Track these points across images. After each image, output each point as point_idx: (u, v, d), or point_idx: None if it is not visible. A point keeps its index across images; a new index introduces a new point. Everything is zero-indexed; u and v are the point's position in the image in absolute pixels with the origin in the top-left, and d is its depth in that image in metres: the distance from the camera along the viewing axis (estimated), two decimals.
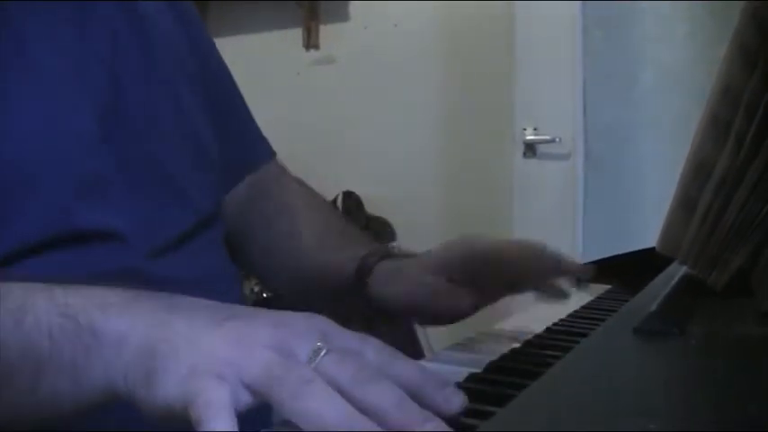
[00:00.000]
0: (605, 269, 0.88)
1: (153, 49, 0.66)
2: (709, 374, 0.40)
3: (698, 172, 0.59)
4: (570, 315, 0.69)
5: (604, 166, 1.91)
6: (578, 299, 0.77)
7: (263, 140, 0.84)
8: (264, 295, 1.98)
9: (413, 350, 1.97)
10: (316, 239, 0.79)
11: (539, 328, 0.64)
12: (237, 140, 0.80)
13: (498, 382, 0.45)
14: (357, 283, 0.71)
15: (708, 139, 0.58)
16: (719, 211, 0.54)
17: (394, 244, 0.73)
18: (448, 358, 0.55)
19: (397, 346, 0.41)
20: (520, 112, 1.93)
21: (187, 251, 0.63)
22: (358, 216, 2.36)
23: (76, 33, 0.59)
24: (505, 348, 0.55)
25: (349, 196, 2.38)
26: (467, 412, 0.38)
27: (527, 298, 0.73)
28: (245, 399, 0.36)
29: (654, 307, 0.49)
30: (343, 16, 2.46)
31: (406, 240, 2.32)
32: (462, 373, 0.47)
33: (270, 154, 0.85)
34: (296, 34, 2.51)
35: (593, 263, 0.90)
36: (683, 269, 0.61)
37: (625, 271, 0.85)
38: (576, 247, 1.87)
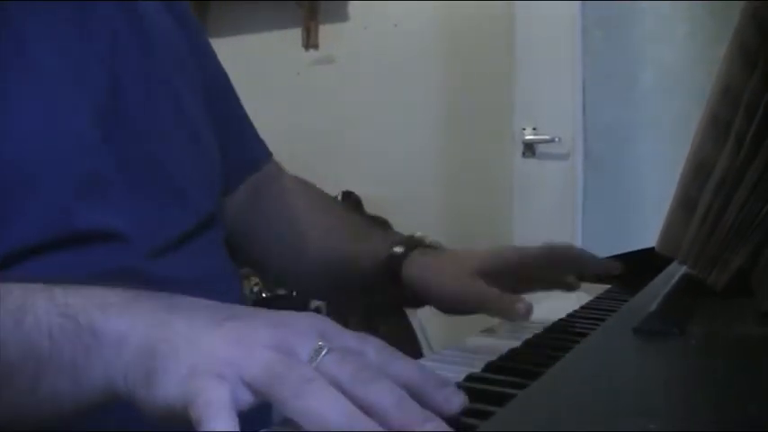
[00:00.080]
0: None
1: (153, 50, 0.66)
2: (709, 374, 0.40)
3: (698, 172, 0.59)
4: (570, 315, 0.69)
5: (604, 165, 1.91)
6: (578, 299, 0.77)
7: (260, 141, 0.85)
8: (264, 295, 1.98)
9: (412, 350, 1.97)
10: (327, 234, 0.80)
11: (539, 327, 0.64)
12: (237, 141, 0.80)
13: (498, 382, 0.45)
14: (387, 271, 0.73)
15: (708, 139, 0.58)
16: (719, 211, 0.54)
17: (418, 234, 0.75)
18: (448, 358, 0.55)
19: (397, 346, 0.41)
20: (519, 112, 1.93)
21: (187, 251, 0.63)
22: None
23: (76, 33, 0.59)
24: (505, 348, 0.55)
25: (348, 196, 2.39)
26: (466, 412, 0.38)
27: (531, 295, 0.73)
28: (246, 398, 0.36)
29: (654, 307, 0.50)
30: (342, 16, 2.46)
31: None
32: (462, 372, 0.47)
33: (268, 154, 0.85)
34: (295, 34, 2.51)
35: None
36: (683, 269, 0.61)
37: (625, 271, 0.85)
38: None
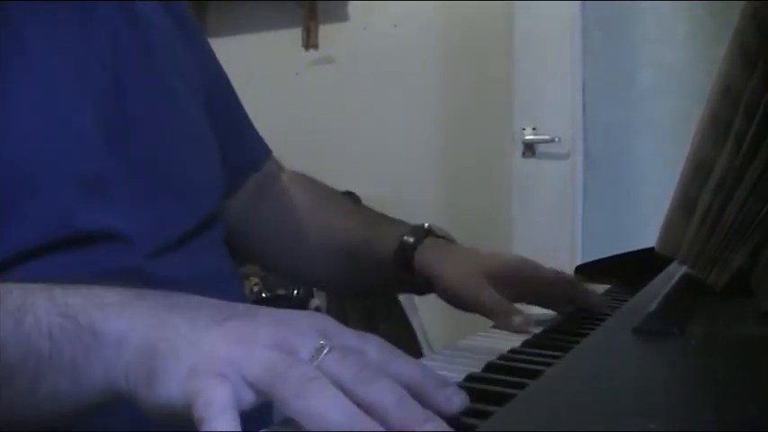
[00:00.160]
0: (605, 269, 0.88)
1: (152, 50, 0.66)
2: (709, 374, 0.40)
3: (697, 172, 0.59)
4: (570, 315, 0.69)
5: (604, 165, 1.91)
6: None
7: (260, 139, 0.85)
8: (264, 295, 1.98)
9: (412, 350, 1.97)
10: (330, 225, 0.83)
11: (537, 327, 0.64)
12: (237, 141, 0.81)
13: (498, 382, 0.45)
14: (399, 259, 0.75)
15: (707, 139, 0.58)
16: (719, 211, 0.54)
17: (427, 224, 0.77)
18: (448, 358, 0.55)
19: (397, 346, 0.41)
20: (519, 112, 1.93)
21: (188, 251, 0.63)
22: None
23: (77, 33, 0.59)
24: (505, 348, 0.55)
25: (348, 196, 2.38)
26: (466, 412, 0.38)
27: None
28: (248, 398, 0.36)
29: (654, 307, 0.50)
30: (342, 16, 2.46)
31: None
32: (462, 372, 0.47)
33: (267, 152, 0.86)
34: (295, 34, 2.51)
35: (594, 262, 0.90)
36: (683, 269, 0.61)
37: (625, 271, 0.85)
38: (576, 247, 1.88)
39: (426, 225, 0.78)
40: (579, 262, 0.93)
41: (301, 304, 2.05)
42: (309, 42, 2.50)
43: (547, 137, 1.89)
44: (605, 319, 0.63)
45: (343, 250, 0.81)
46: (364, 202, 2.39)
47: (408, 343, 2.04)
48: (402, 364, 0.39)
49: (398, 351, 0.40)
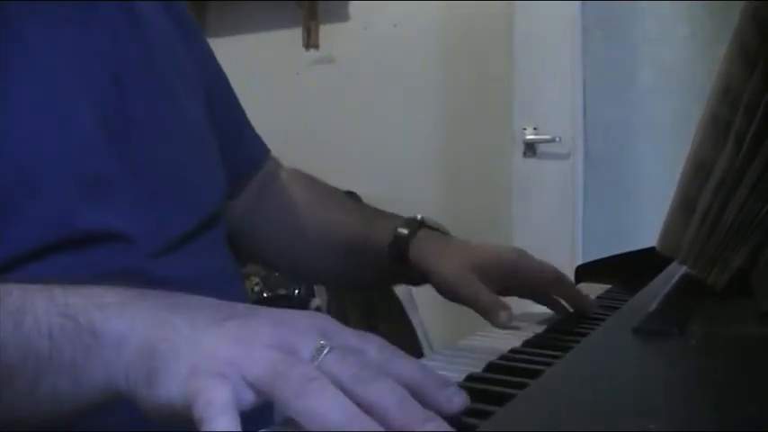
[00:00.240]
0: (605, 269, 0.88)
1: (153, 50, 0.66)
2: (709, 374, 0.40)
3: (698, 172, 0.59)
4: (570, 315, 0.69)
5: (604, 165, 1.91)
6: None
7: (258, 139, 0.86)
8: (265, 295, 1.98)
9: (412, 349, 1.97)
10: (329, 219, 0.83)
11: (537, 327, 0.64)
12: (237, 141, 0.81)
13: (498, 382, 0.45)
14: (394, 252, 0.76)
15: (708, 139, 0.58)
16: (719, 211, 0.54)
17: (419, 216, 0.79)
18: (448, 358, 0.55)
19: (397, 345, 0.41)
20: (519, 112, 1.93)
21: (188, 251, 0.63)
22: None
23: (77, 33, 0.59)
24: (505, 348, 0.55)
25: (348, 196, 2.38)
26: (467, 412, 0.38)
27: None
28: (248, 398, 0.36)
29: (654, 307, 0.50)
30: (342, 16, 2.46)
31: None
32: (462, 372, 0.47)
33: (266, 151, 0.86)
34: (295, 34, 2.51)
35: (594, 262, 0.90)
36: (683, 269, 0.61)
37: (625, 271, 0.85)
38: (576, 247, 1.88)
39: (419, 217, 0.79)
40: (579, 262, 0.93)
41: (302, 304, 2.05)
42: (310, 42, 2.50)
43: (547, 137, 1.89)
44: (605, 319, 0.63)
45: (341, 244, 0.82)
46: (365, 201, 2.39)
47: (408, 343, 2.03)
48: (402, 363, 0.39)
49: (399, 351, 0.40)
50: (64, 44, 0.58)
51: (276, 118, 2.45)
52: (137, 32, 0.64)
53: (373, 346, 0.40)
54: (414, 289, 1.29)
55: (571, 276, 0.87)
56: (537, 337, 0.60)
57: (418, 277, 0.76)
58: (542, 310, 0.73)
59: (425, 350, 2.09)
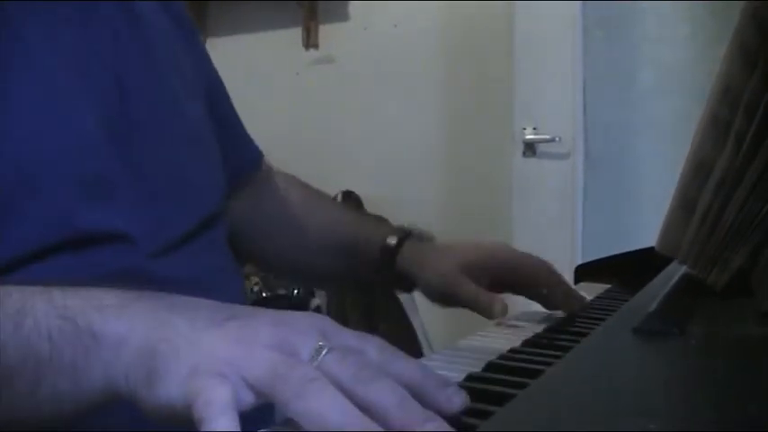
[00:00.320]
0: (605, 269, 0.88)
1: (153, 50, 0.66)
2: (709, 374, 0.40)
3: (698, 172, 0.59)
4: (570, 315, 0.69)
5: (604, 165, 1.91)
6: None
7: (252, 141, 0.86)
8: (264, 295, 1.98)
9: (412, 350, 1.97)
10: (328, 221, 0.84)
11: (537, 327, 0.64)
12: (234, 142, 0.81)
13: (498, 382, 0.45)
14: (382, 261, 0.77)
15: (708, 139, 0.58)
16: (719, 211, 0.54)
17: (408, 224, 0.80)
18: (447, 358, 0.55)
19: (397, 346, 0.41)
20: (520, 112, 1.93)
21: (189, 251, 0.63)
22: None
23: (78, 33, 0.59)
24: (505, 348, 0.55)
25: (348, 196, 2.39)
26: (467, 412, 0.38)
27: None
28: (248, 398, 0.36)
29: (654, 307, 0.49)
30: (342, 16, 2.46)
31: None
32: (462, 372, 0.47)
33: (260, 153, 0.86)
34: (295, 34, 2.51)
35: (594, 262, 0.90)
36: (683, 269, 0.61)
37: (625, 271, 0.85)
38: (576, 247, 1.88)
39: (407, 226, 0.80)
40: (579, 262, 0.93)
41: (302, 304, 2.05)
42: (310, 42, 2.50)
43: (547, 137, 1.89)
44: (605, 319, 0.63)
45: (338, 247, 0.83)
46: (364, 201, 2.40)
47: (408, 343, 2.04)
48: (402, 364, 0.39)
49: (398, 351, 0.40)
50: (64, 44, 0.58)
51: (276, 118, 2.46)
52: (137, 32, 0.64)
53: (373, 347, 0.40)
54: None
55: (571, 276, 0.88)
56: (537, 337, 0.60)
57: (407, 285, 0.77)
58: (542, 309, 0.73)
59: (425, 350, 2.09)
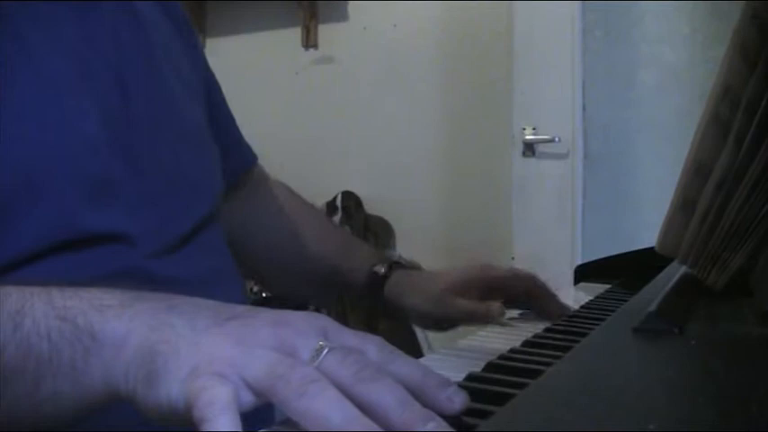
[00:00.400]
0: (605, 269, 0.88)
1: (153, 50, 0.66)
2: (708, 374, 0.40)
3: (698, 172, 0.59)
4: (570, 315, 0.69)
5: (603, 165, 1.91)
6: (577, 299, 0.77)
7: (247, 144, 0.86)
8: (264, 295, 1.98)
9: (412, 349, 1.97)
10: (316, 242, 0.85)
11: (537, 327, 0.64)
12: (231, 144, 0.81)
13: (498, 382, 0.45)
14: (370, 289, 0.79)
15: (707, 139, 0.58)
16: (719, 210, 0.54)
17: (394, 252, 0.82)
18: (447, 357, 0.55)
19: (397, 346, 0.41)
20: (519, 112, 1.93)
21: (190, 251, 0.63)
22: (357, 216, 2.36)
23: (80, 35, 0.59)
24: (505, 348, 0.55)
25: (348, 196, 2.39)
26: (467, 411, 0.38)
27: None
28: (248, 399, 0.36)
29: (654, 307, 0.49)
30: (342, 16, 2.46)
31: (406, 240, 2.33)
32: (462, 372, 0.47)
33: (254, 156, 0.86)
34: (295, 34, 2.51)
35: (594, 262, 0.90)
36: (683, 269, 0.61)
37: (625, 271, 0.85)
38: (576, 247, 1.88)
39: (396, 256, 0.83)
40: (578, 262, 0.94)
41: (301, 304, 2.05)
42: (309, 42, 2.50)
43: (546, 137, 1.89)
44: (605, 319, 0.63)
45: (325, 265, 0.84)
46: (364, 202, 2.40)
47: (408, 343, 2.04)
48: (402, 363, 0.39)
49: (398, 351, 0.40)
50: (65, 44, 0.58)
51: (275, 118, 2.46)
52: (137, 33, 0.64)
53: (373, 346, 0.39)
54: None
55: (571, 276, 0.88)
56: (537, 337, 0.60)
57: (391, 312, 0.78)
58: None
59: (425, 350, 2.09)
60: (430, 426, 0.34)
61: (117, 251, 0.56)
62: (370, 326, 1.97)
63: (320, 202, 2.30)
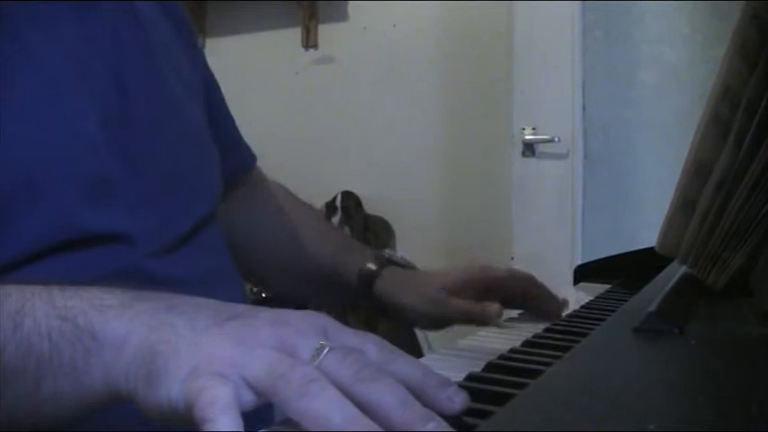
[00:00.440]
0: (605, 269, 0.88)
1: (153, 50, 0.66)
2: (708, 374, 0.40)
3: (698, 172, 0.59)
4: (570, 315, 0.69)
5: (603, 165, 1.91)
6: (577, 299, 0.77)
7: (246, 145, 0.86)
8: (264, 295, 1.98)
9: (412, 349, 1.97)
10: (314, 242, 0.84)
11: (537, 327, 0.64)
12: (230, 144, 0.81)
13: (498, 382, 0.45)
14: (360, 286, 0.78)
15: (707, 139, 0.58)
16: (719, 210, 0.54)
17: (394, 252, 0.81)
18: (447, 357, 0.55)
19: (397, 345, 0.41)
20: (519, 112, 1.93)
21: (190, 251, 0.63)
22: (357, 216, 2.36)
23: (79, 35, 0.59)
24: (505, 348, 0.55)
25: (348, 196, 2.39)
26: (467, 411, 0.38)
27: None
28: (249, 398, 0.36)
29: (654, 307, 0.49)
30: (342, 16, 2.46)
31: (406, 240, 2.33)
32: (462, 372, 0.47)
33: (253, 156, 0.86)
34: (295, 34, 2.51)
35: (594, 262, 0.90)
36: (683, 269, 0.61)
37: (625, 271, 0.85)
38: (575, 247, 1.88)
39: (388, 253, 0.82)
40: (578, 262, 0.94)
41: (301, 304, 2.05)
42: (309, 42, 2.50)
43: (546, 137, 1.89)
44: (605, 319, 0.63)
45: (323, 266, 0.83)
46: (364, 202, 2.40)
47: (408, 343, 2.03)
48: (402, 363, 0.39)
49: (399, 351, 0.40)
50: (65, 44, 0.58)
51: (275, 118, 2.46)
52: (137, 32, 0.64)
53: (373, 346, 0.39)
54: None
55: (571, 276, 0.88)
56: (537, 337, 0.60)
57: (383, 311, 0.78)
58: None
59: (425, 350, 2.09)
60: (430, 426, 0.34)
61: (117, 251, 0.56)
62: (370, 326, 1.97)
63: (320, 202, 2.30)
